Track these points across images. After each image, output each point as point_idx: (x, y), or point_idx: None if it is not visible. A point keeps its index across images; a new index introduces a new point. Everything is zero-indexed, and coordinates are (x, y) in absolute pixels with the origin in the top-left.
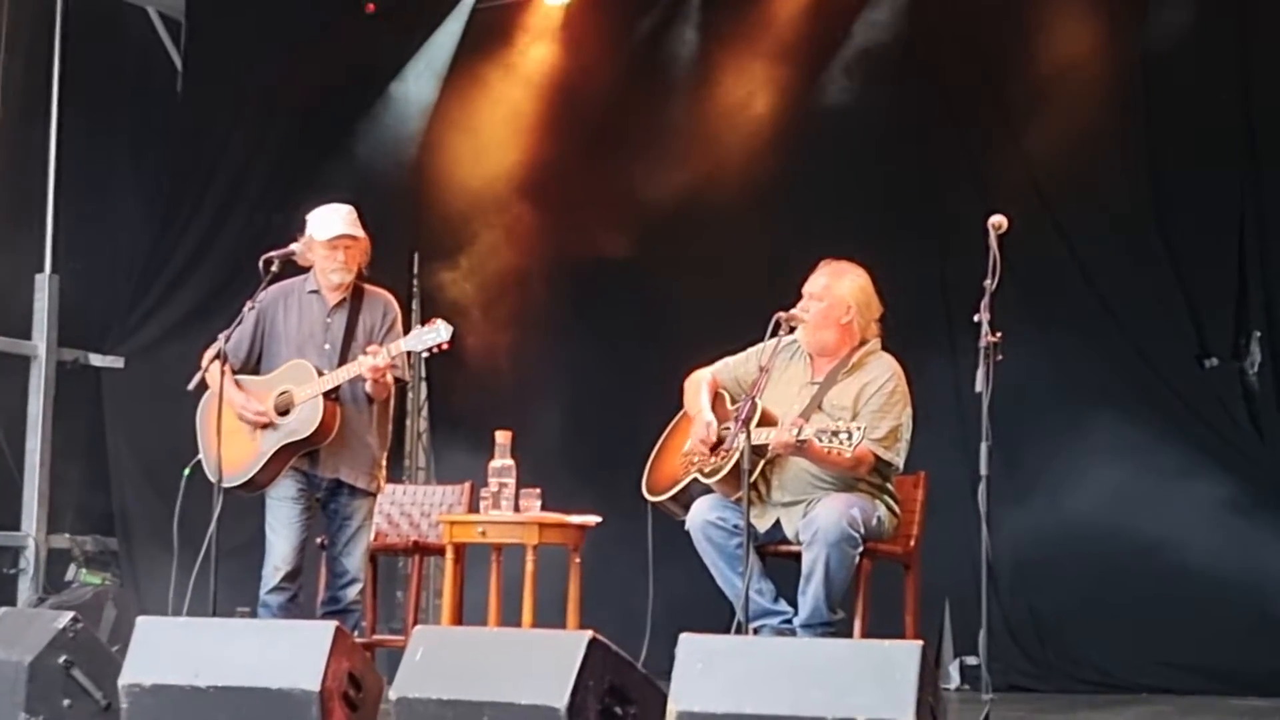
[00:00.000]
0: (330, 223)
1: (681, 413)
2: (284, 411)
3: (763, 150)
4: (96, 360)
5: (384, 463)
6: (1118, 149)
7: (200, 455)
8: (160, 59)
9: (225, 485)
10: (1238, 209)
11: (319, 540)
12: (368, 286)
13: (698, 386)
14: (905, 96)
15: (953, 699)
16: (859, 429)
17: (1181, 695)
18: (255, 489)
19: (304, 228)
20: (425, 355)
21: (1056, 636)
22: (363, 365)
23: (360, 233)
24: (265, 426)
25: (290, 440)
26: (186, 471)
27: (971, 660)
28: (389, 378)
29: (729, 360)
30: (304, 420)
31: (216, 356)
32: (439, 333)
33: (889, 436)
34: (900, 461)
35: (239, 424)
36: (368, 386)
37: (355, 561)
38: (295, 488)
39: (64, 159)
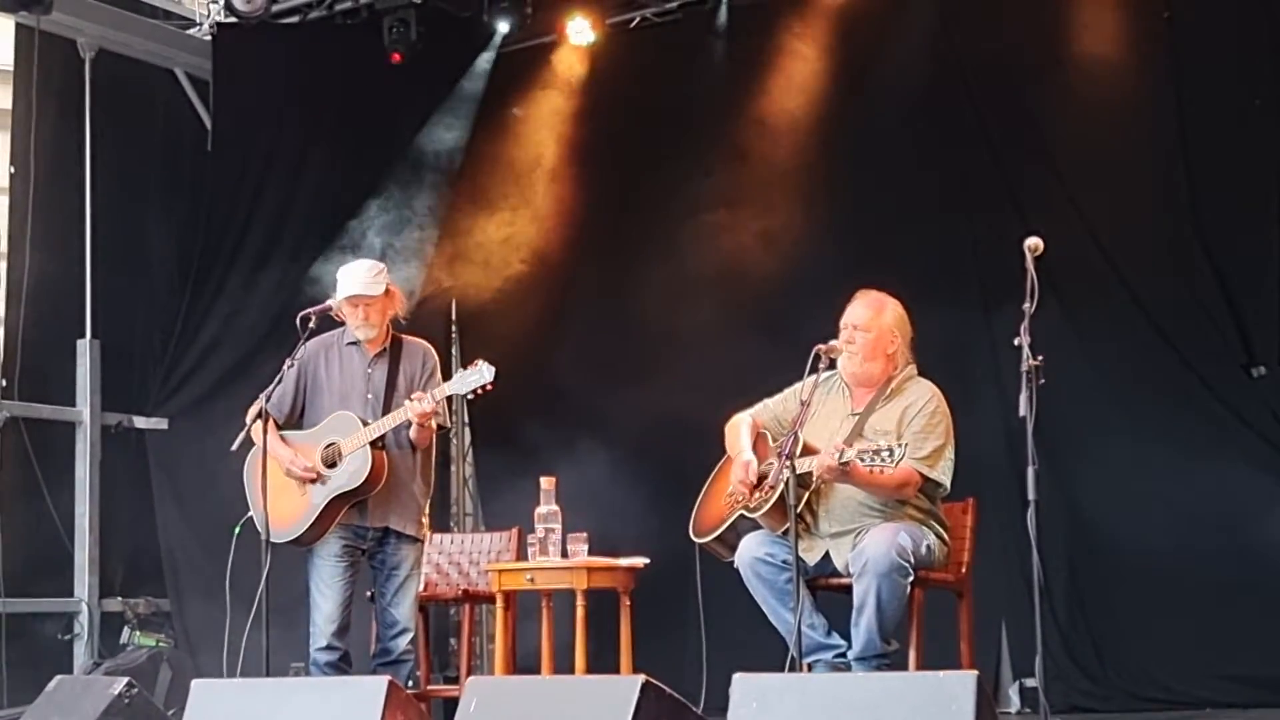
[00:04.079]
0: (346, 282)
1: (725, 457)
2: (331, 464)
3: (797, 183)
4: (141, 423)
5: (428, 509)
6: (1156, 162)
7: (251, 512)
8: (189, 119)
9: (276, 540)
10: (1277, 216)
11: (368, 594)
12: (406, 337)
13: (738, 429)
14: (939, 118)
15: None
16: (901, 445)
17: (1245, 709)
18: (306, 544)
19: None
20: (470, 397)
21: (1116, 654)
22: (410, 411)
23: (376, 290)
24: (314, 481)
25: (341, 492)
26: (237, 530)
27: (1031, 682)
28: (432, 424)
29: (768, 401)
30: (353, 471)
31: (259, 415)
32: (482, 374)
33: (933, 455)
34: (946, 481)
35: (288, 479)
36: (412, 433)
37: (405, 611)
38: (340, 545)
39: (98, 223)
